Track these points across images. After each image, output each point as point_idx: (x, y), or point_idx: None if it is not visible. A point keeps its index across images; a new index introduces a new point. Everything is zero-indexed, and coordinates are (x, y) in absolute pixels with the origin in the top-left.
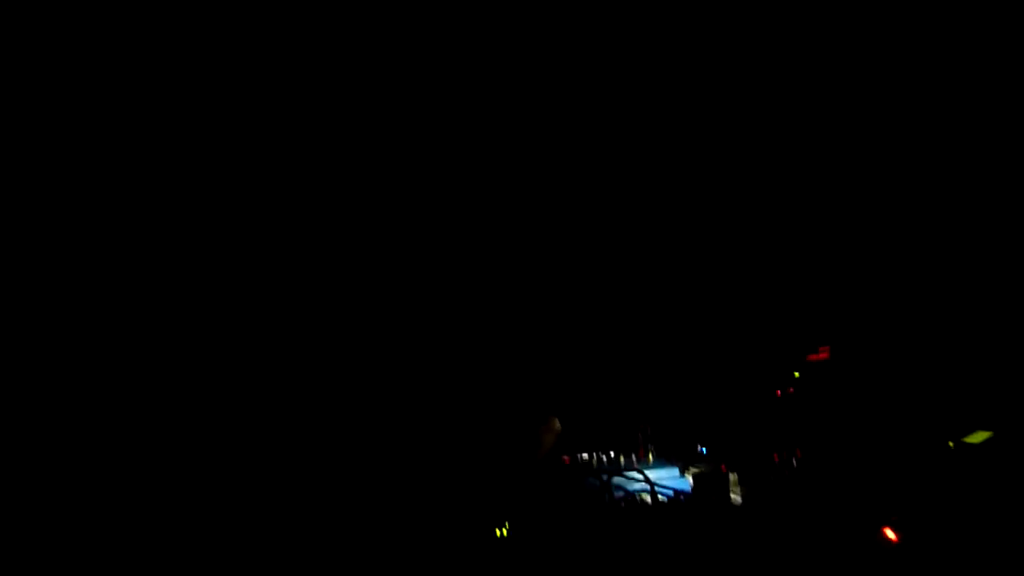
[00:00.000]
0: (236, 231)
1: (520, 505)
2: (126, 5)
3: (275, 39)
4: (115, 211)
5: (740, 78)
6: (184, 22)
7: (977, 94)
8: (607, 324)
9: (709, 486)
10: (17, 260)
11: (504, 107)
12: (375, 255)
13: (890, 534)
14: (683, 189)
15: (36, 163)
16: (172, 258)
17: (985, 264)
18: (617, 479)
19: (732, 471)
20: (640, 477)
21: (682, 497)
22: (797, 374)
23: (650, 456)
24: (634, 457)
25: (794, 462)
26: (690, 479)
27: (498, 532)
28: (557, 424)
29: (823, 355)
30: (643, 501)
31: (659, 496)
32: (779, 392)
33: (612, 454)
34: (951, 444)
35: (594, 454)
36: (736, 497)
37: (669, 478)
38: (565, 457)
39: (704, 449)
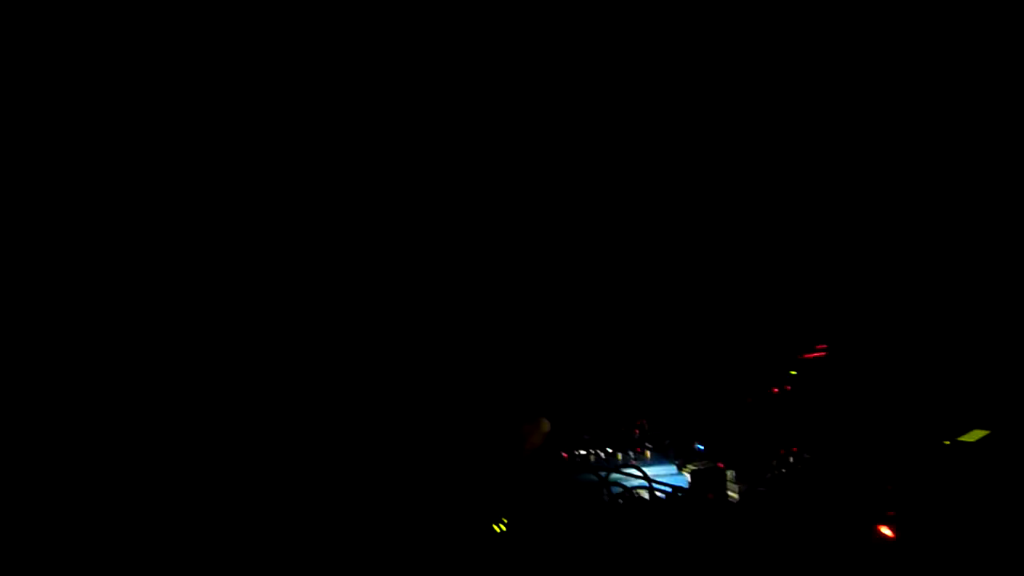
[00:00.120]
0: (232, 230)
1: (517, 501)
2: (126, 5)
3: (275, 39)
4: (115, 211)
5: (737, 72)
6: (184, 22)
7: (977, 92)
8: (604, 321)
9: (706, 483)
10: (17, 260)
11: (498, 102)
12: (360, 248)
13: (886, 531)
14: (679, 185)
15: (36, 163)
16: (172, 258)
17: (983, 262)
18: (615, 475)
19: (729, 468)
20: (638, 474)
21: (679, 493)
22: (794, 372)
23: (647, 453)
24: (631, 454)
25: (791, 459)
26: (687, 476)
27: (496, 528)
28: (546, 424)
29: (820, 353)
30: (640, 497)
31: (657, 492)
32: (776, 390)
33: (610, 451)
34: (947, 442)
35: (592, 451)
36: (733, 494)
37: (666, 475)
38: (563, 453)
39: (701, 446)
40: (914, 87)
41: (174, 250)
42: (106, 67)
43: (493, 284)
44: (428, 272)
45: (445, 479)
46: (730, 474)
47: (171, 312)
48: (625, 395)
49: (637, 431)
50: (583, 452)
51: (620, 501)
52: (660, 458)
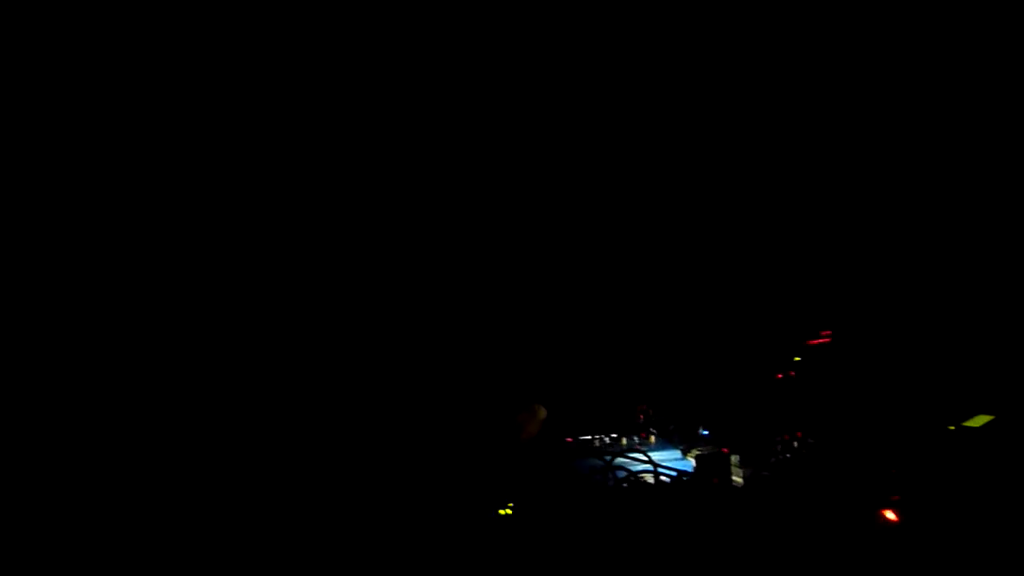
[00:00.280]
0: (230, 229)
1: (523, 486)
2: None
3: (275, 38)
4: (114, 211)
5: (737, 69)
6: (184, 22)
7: (979, 84)
8: (610, 307)
9: (711, 468)
10: (17, 260)
11: (499, 99)
12: (359, 242)
13: (891, 515)
14: (684, 174)
15: (36, 163)
16: (171, 258)
17: (988, 248)
18: (620, 460)
19: (733, 453)
20: (643, 459)
21: (684, 478)
22: (798, 358)
23: (652, 438)
24: (636, 439)
25: (795, 444)
26: (692, 461)
27: (501, 512)
28: (542, 411)
29: (824, 339)
30: (645, 482)
31: (661, 477)
32: (780, 375)
33: (614, 436)
34: (951, 428)
35: (597, 436)
36: (737, 478)
37: (671, 460)
38: (567, 439)
39: (706, 431)
40: (923, 79)
41: (174, 250)
42: (106, 67)
43: (498, 271)
44: (433, 259)
45: (447, 465)
46: (734, 459)
47: (171, 312)
48: (630, 380)
49: (642, 416)
50: (587, 437)
51: (625, 486)
52: (665, 443)
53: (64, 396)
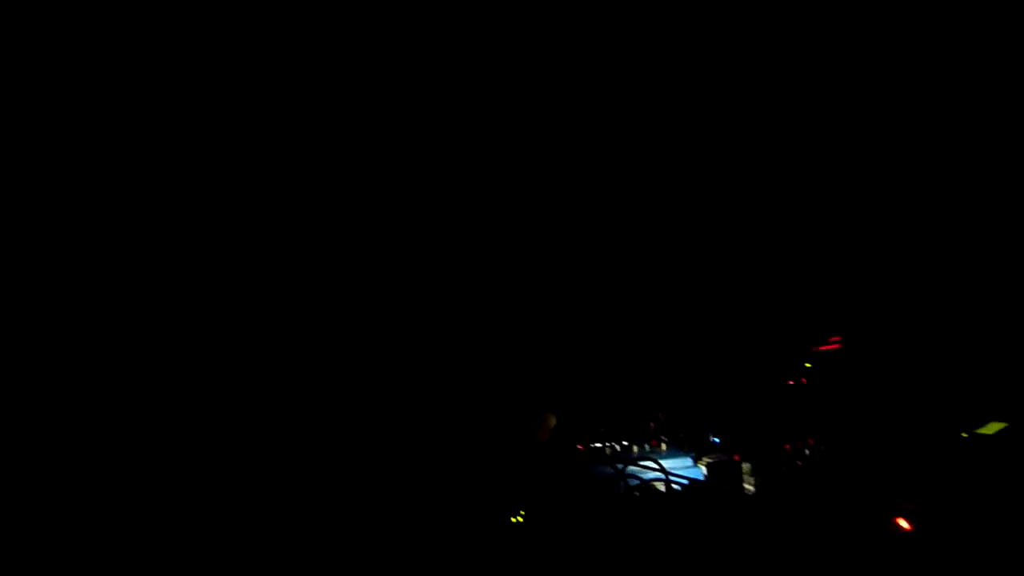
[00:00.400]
0: (229, 229)
1: (534, 494)
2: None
3: (275, 38)
4: (114, 210)
5: (752, 65)
6: (184, 22)
7: (983, 80)
8: (620, 314)
9: (722, 475)
10: (17, 260)
11: (505, 98)
12: (361, 248)
13: (903, 524)
14: (694, 178)
15: (36, 163)
16: (171, 257)
17: (1000, 252)
18: (631, 468)
19: (745, 461)
20: (654, 466)
21: (696, 486)
22: (808, 364)
23: (663, 446)
24: (647, 447)
25: (807, 452)
26: (703, 468)
27: (513, 519)
28: (552, 419)
29: (834, 345)
30: (657, 490)
31: (673, 485)
32: (791, 382)
33: (625, 443)
34: (964, 435)
35: (607, 444)
36: (749, 486)
37: (682, 467)
38: (579, 446)
39: (717, 439)
40: (937, 72)
41: (173, 250)
42: (106, 67)
43: (509, 276)
44: (445, 267)
45: (457, 473)
46: (746, 467)
47: (171, 312)
48: (641, 388)
49: (653, 424)
50: (599, 445)
51: (636, 493)
52: (676, 451)
53: (64, 396)
